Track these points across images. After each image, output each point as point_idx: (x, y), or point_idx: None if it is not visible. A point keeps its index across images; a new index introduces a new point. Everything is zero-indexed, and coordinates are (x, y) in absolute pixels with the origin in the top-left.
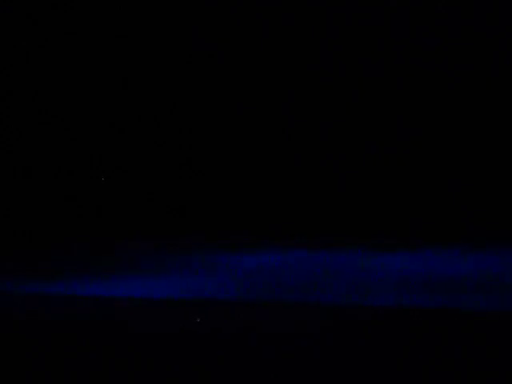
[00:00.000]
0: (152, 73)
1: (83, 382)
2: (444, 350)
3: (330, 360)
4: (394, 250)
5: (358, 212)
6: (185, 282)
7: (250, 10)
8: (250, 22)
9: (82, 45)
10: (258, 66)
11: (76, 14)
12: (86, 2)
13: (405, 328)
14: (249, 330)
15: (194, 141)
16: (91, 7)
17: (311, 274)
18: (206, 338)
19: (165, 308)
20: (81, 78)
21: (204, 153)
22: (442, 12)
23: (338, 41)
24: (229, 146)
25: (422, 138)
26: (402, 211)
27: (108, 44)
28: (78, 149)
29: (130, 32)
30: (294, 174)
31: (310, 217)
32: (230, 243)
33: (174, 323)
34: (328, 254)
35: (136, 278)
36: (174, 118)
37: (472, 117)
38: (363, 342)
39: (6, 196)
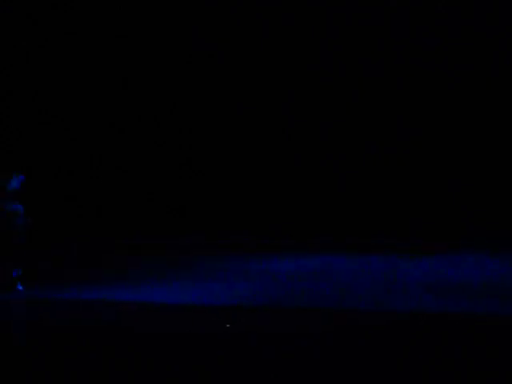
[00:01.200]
0: (152, 73)
1: None
2: (444, 353)
3: (330, 361)
4: (395, 250)
5: (358, 212)
6: (185, 282)
7: (250, 10)
8: (249, 22)
9: (82, 45)
10: (257, 66)
11: (76, 14)
12: (86, 2)
13: (405, 329)
14: (250, 334)
15: (194, 141)
16: (91, 7)
17: (312, 274)
18: (207, 341)
19: (165, 310)
20: (81, 78)
21: (204, 153)
22: (442, 12)
23: (338, 41)
24: (229, 147)
25: (421, 138)
26: (402, 211)
27: (108, 44)
28: (78, 149)
29: (130, 32)
30: (294, 174)
31: (310, 217)
32: (231, 243)
33: (174, 324)
34: (328, 254)
35: (136, 278)
36: (174, 118)
37: (472, 117)
38: (363, 342)
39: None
